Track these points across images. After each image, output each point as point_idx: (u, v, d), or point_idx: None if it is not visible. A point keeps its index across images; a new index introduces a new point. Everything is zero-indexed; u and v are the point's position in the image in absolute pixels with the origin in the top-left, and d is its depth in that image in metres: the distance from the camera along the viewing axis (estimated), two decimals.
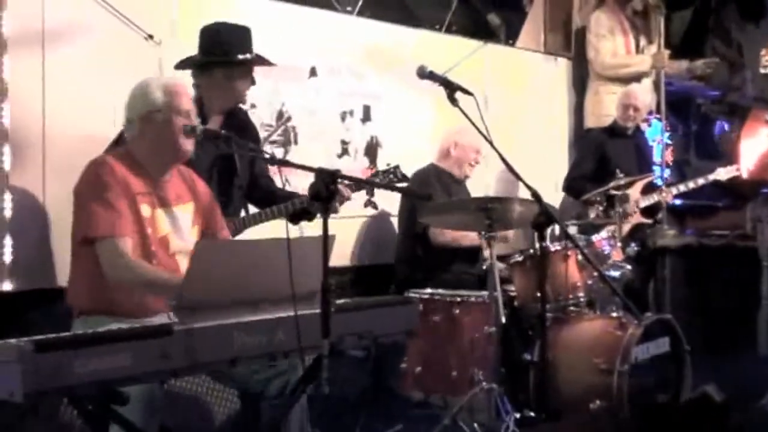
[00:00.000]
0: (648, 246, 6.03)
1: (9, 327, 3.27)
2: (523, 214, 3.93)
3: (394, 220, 5.31)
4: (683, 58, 7.25)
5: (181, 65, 3.92)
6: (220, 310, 2.50)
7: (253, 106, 4.57)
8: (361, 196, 3.91)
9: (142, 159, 3.17)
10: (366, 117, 5.44)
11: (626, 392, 3.94)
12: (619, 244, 4.62)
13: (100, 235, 2.98)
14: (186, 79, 3.79)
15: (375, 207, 4.09)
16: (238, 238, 3.82)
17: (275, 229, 3.81)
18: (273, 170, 4.10)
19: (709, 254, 6.72)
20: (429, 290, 4.44)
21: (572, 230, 4.91)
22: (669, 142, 7.25)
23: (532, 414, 3.82)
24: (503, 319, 3.94)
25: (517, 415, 3.82)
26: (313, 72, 5.14)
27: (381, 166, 5.34)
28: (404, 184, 4.25)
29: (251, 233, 3.90)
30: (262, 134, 4.59)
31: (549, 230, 3.41)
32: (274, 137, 4.90)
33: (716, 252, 6.72)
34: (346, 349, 2.78)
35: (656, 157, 6.84)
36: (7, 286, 3.81)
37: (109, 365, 2.19)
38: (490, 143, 3.19)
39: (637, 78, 6.76)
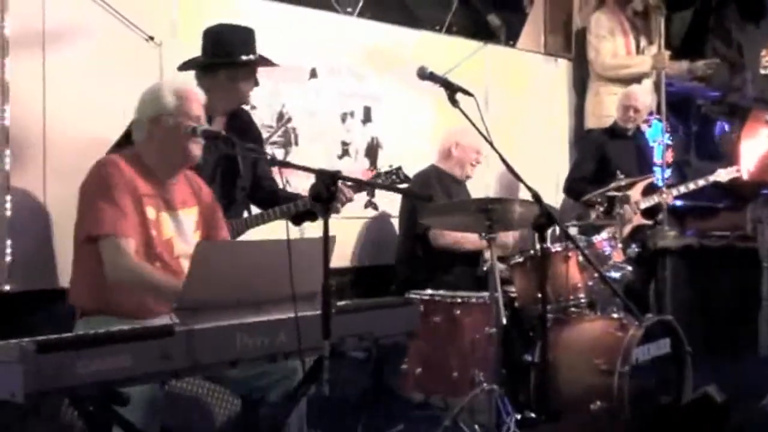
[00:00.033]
0: (649, 247, 6.03)
1: (10, 328, 3.27)
2: (524, 215, 3.93)
3: (395, 221, 5.31)
4: (683, 59, 7.24)
5: (185, 66, 3.92)
6: (221, 311, 2.50)
7: (253, 107, 4.56)
8: (361, 197, 3.91)
9: (150, 161, 3.18)
10: (366, 118, 5.45)
11: (627, 393, 3.94)
12: (619, 245, 4.61)
13: (104, 233, 2.99)
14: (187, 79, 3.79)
15: (375, 208, 4.10)
16: (241, 239, 3.82)
17: (276, 230, 3.81)
18: (273, 171, 4.10)
19: (709, 255, 6.73)
20: (429, 291, 4.43)
21: (573, 231, 4.91)
22: (669, 142, 7.24)
23: (533, 415, 3.81)
24: (504, 320, 3.93)
25: (518, 416, 3.82)
26: (313, 73, 5.14)
27: (381, 167, 5.34)
28: (406, 185, 4.25)
29: (252, 234, 3.90)
30: (263, 135, 4.59)
31: (550, 231, 3.40)
32: (275, 138, 4.91)
33: (717, 253, 6.72)
34: (346, 351, 2.78)
35: (657, 158, 6.84)
36: (9, 287, 3.81)
37: (111, 366, 2.19)
38: (491, 144, 3.19)
39: (637, 79, 6.76)
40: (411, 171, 4.56)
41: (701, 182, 6.13)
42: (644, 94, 6.32)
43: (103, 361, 2.17)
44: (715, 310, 6.55)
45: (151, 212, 3.10)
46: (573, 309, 4.39)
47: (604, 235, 4.58)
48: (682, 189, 6.08)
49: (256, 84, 3.93)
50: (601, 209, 5.04)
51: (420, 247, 4.95)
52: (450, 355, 4.25)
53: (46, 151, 3.92)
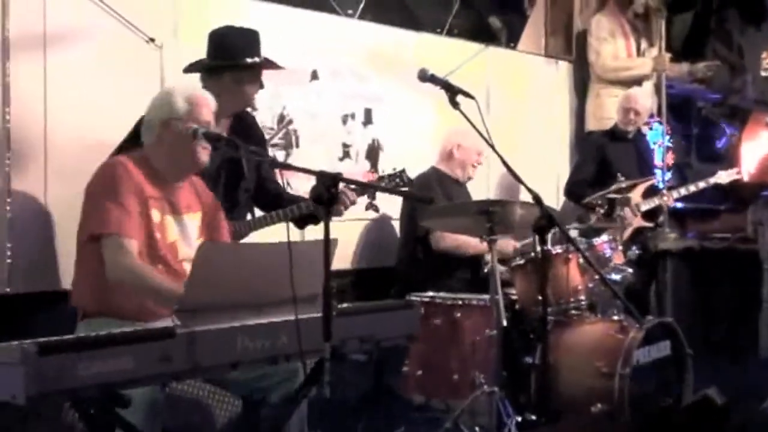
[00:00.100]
0: (649, 249, 6.03)
1: (11, 329, 3.27)
2: (525, 217, 3.93)
3: (396, 224, 5.31)
4: (684, 61, 7.24)
5: (190, 69, 3.92)
6: (222, 313, 2.50)
7: (254, 109, 4.57)
8: (362, 199, 3.91)
9: (158, 165, 3.19)
10: (367, 120, 5.44)
11: (627, 395, 3.94)
12: (620, 248, 4.62)
13: (107, 232, 3.00)
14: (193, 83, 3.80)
15: (376, 210, 4.10)
16: (243, 241, 3.83)
17: (277, 232, 3.81)
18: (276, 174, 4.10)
19: (710, 257, 6.73)
20: (430, 293, 4.43)
21: (573, 233, 4.91)
22: (670, 145, 7.24)
23: (534, 417, 3.81)
24: (504, 323, 3.93)
25: (519, 419, 3.82)
26: (314, 75, 5.14)
27: (382, 169, 5.35)
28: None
29: (254, 237, 3.91)
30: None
31: (550, 233, 3.40)
32: (276, 140, 4.91)
33: (717, 255, 6.73)
34: (347, 353, 2.79)
35: (657, 161, 6.84)
36: (10, 289, 3.81)
37: (112, 368, 2.19)
38: (492, 147, 3.19)
39: (638, 81, 6.76)
40: (412, 173, 4.55)
41: (702, 184, 6.13)
42: (644, 97, 6.32)
43: (104, 363, 2.18)
44: (716, 312, 6.55)
45: (156, 215, 3.12)
46: (573, 311, 4.39)
47: (604, 237, 4.58)
48: (683, 191, 6.07)
49: (261, 87, 3.93)
50: (602, 211, 5.04)
51: (421, 250, 4.95)
52: (450, 358, 4.25)
53: (47, 152, 3.92)
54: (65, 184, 3.86)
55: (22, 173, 3.85)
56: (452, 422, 3.91)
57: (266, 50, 4.00)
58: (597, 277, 4.22)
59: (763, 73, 7.88)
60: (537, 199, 3.24)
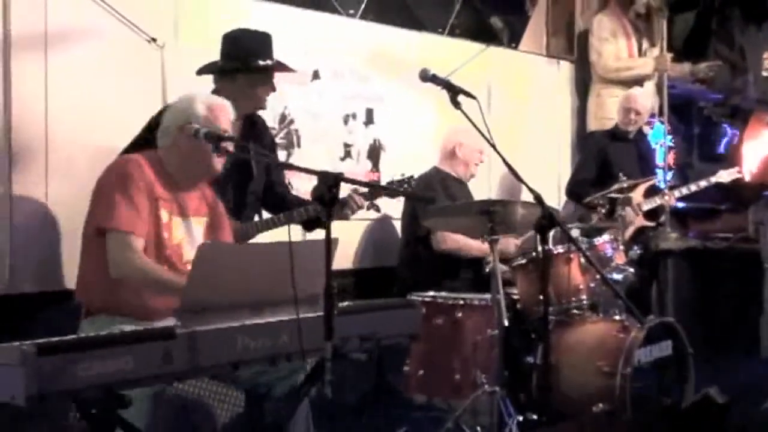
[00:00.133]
0: (650, 249, 6.02)
1: (11, 330, 3.28)
2: (526, 217, 3.93)
3: (397, 224, 5.31)
4: (686, 61, 7.23)
5: (204, 71, 3.92)
6: (223, 313, 2.50)
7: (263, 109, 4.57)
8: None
9: (171, 168, 3.21)
10: (369, 120, 5.44)
11: (629, 395, 3.94)
12: (621, 247, 4.61)
13: (115, 227, 3.01)
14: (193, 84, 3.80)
15: (378, 210, 4.10)
16: (250, 242, 3.83)
17: (280, 233, 3.81)
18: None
19: (711, 257, 6.73)
20: (431, 293, 4.43)
21: (575, 233, 4.91)
22: (671, 145, 7.24)
23: (535, 416, 3.81)
24: (506, 322, 3.93)
25: (520, 418, 3.81)
26: (316, 75, 5.14)
27: (383, 168, 5.36)
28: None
29: (259, 238, 3.90)
30: None
31: (552, 233, 3.40)
32: (277, 140, 4.90)
33: (719, 255, 6.73)
34: (348, 352, 2.79)
35: (659, 160, 6.84)
36: (11, 289, 3.81)
37: (112, 368, 2.19)
38: (493, 147, 3.19)
39: (639, 81, 6.75)
40: (413, 173, 4.56)
41: (703, 183, 6.12)
42: (645, 97, 6.32)
43: (104, 364, 2.18)
44: (717, 311, 6.55)
45: (164, 215, 3.14)
46: (575, 311, 4.38)
47: (606, 237, 4.57)
48: (684, 191, 6.07)
49: (273, 89, 3.93)
50: (603, 211, 5.04)
51: (422, 250, 4.94)
52: (452, 357, 4.25)
53: (48, 152, 3.92)
54: (66, 183, 3.87)
55: (24, 173, 3.86)
56: (453, 422, 3.91)
57: None
58: (598, 276, 4.22)
59: (765, 73, 7.89)
60: (538, 199, 3.24)
